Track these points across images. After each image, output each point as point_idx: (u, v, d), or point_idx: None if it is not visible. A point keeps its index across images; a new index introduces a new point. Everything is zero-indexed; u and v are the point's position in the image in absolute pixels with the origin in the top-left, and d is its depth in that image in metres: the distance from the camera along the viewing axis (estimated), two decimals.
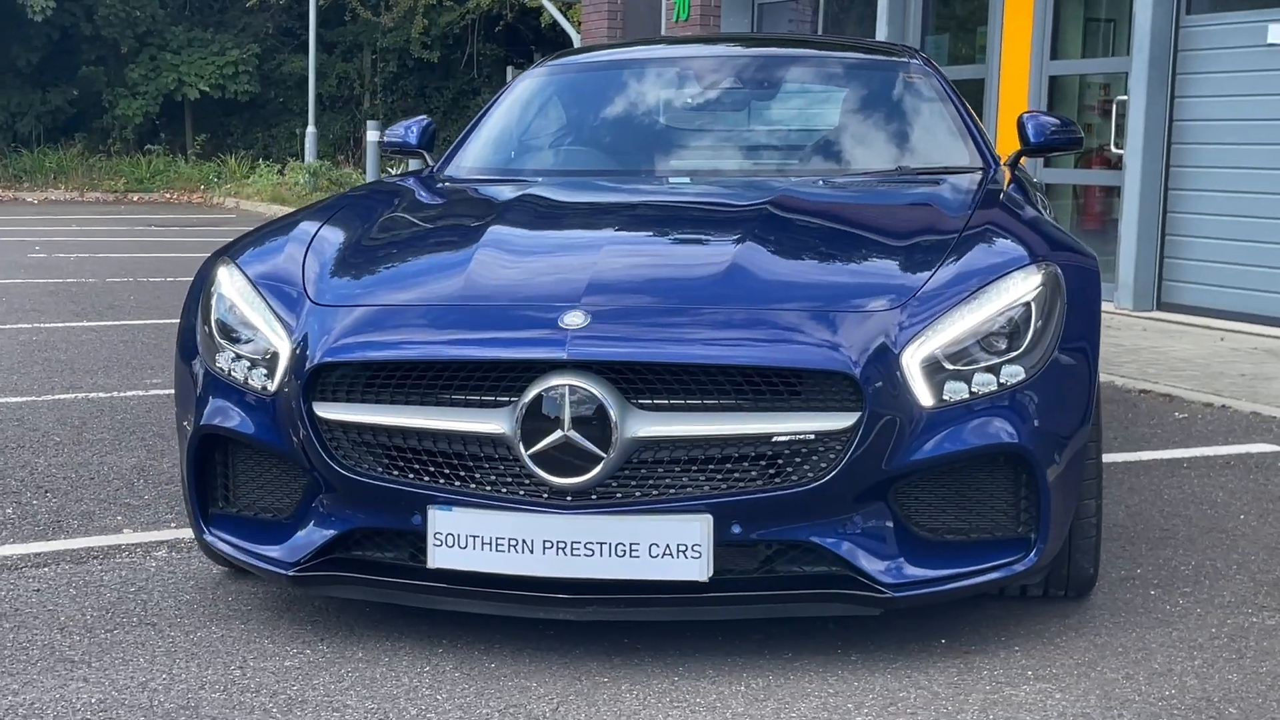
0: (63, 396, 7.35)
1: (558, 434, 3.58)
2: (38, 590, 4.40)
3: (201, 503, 4.10)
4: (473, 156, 5.62)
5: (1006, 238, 4.17)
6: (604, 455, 3.58)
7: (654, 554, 3.58)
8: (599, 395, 3.57)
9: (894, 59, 5.97)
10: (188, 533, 4.98)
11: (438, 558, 3.68)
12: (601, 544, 3.58)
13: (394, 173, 23.37)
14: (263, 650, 3.89)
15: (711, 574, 3.59)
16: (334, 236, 4.36)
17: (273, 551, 3.94)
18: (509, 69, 29.79)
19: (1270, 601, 4.30)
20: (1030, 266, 3.94)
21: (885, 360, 3.65)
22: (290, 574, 3.86)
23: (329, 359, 3.77)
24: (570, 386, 3.58)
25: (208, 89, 29.55)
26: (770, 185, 4.86)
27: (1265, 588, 4.42)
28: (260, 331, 3.99)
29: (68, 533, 5.01)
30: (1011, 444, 3.73)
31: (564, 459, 3.60)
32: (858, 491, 3.64)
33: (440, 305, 3.87)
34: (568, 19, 20.37)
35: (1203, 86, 11.06)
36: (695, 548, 3.57)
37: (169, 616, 4.16)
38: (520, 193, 4.73)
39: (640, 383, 3.62)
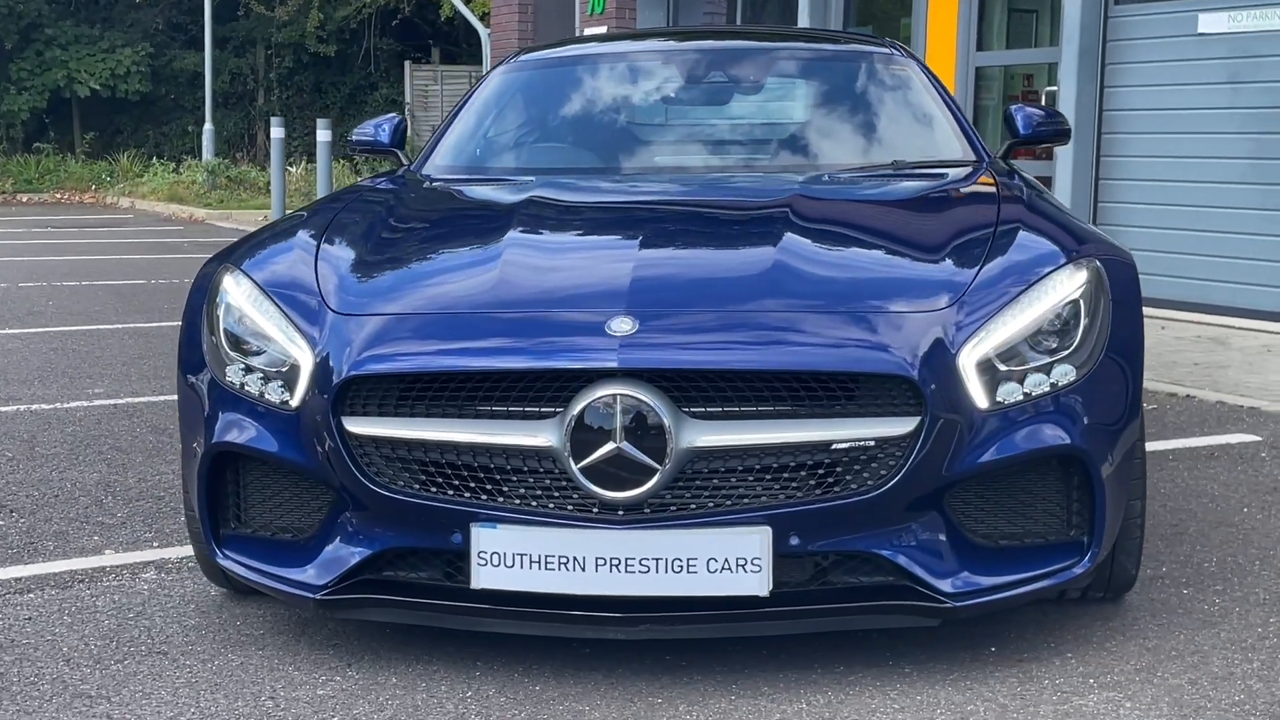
0: (4, 409, 7.05)
1: (609, 446, 3.42)
2: (29, 618, 4.17)
3: (212, 523, 3.89)
4: (454, 155, 5.43)
5: (1042, 234, 4.07)
6: (658, 467, 3.42)
7: (712, 569, 3.43)
8: (651, 404, 3.42)
9: (878, 50, 5.86)
10: (174, 552, 4.77)
11: (482, 577, 3.50)
12: (657, 559, 3.43)
13: (294, 171, 22.98)
14: (290, 679, 3.69)
15: (772, 588, 3.46)
16: (342, 242, 4.16)
17: (296, 574, 3.74)
18: (406, 64, 29.50)
19: None
20: (1075, 263, 3.85)
21: (943, 362, 3.54)
22: (318, 597, 3.67)
23: (359, 371, 3.57)
24: (621, 396, 3.42)
25: (98, 87, 28.88)
26: (783, 181, 4.73)
27: None
28: (275, 342, 3.79)
29: (45, 555, 4.76)
30: (1069, 446, 3.63)
31: (615, 472, 3.44)
32: (916, 499, 3.52)
33: (477, 313, 3.68)
34: (472, 12, 20.08)
35: (1133, 76, 11.11)
36: (755, 561, 3.43)
37: (178, 644, 3.94)
38: (525, 195, 4.53)
39: (693, 390, 3.47)
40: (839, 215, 4.39)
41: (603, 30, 16.12)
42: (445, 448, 3.54)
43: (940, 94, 5.65)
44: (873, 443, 3.48)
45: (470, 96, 5.77)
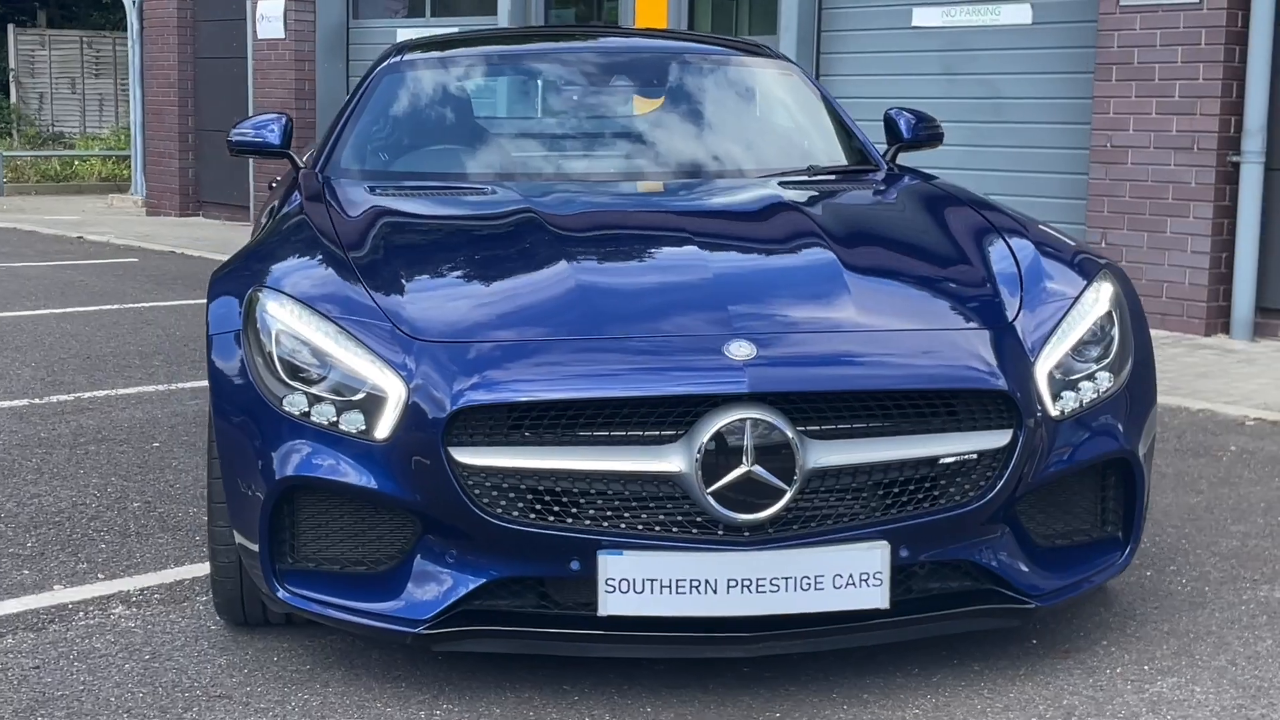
0: None
1: (741, 469, 3.46)
2: (35, 667, 3.90)
3: (272, 559, 3.72)
4: (363, 159, 5.27)
5: (1051, 246, 4.30)
6: (786, 488, 3.49)
7: (837, 584, 3.53)
8: (779, 426, 3.48)
9: (769, 57, 6.02)
10: (127, 584, 4.56)
11: (610, 604, 3.49)
12: (787, 578, 3.50)
13: None
14: (388, 716, 3.59)
15: (890, 600, 3.58)
16: (373, 261, 4.02)
17: (384, 608, 3.63)
18: (10, 28, 27.78)
19: (1250, 573, 4.64)
20: (1101, 276, 4.11)
21: (1026, 375, 3.73)
22: (419, 631, 3.57)
23: (473, 401, 3.49)
24: (752, 420, 3.47)
25: None
26: (754, 185, 4.96)
27: (1234, 560, 4.77)
28: (346, 368, 3.65)
29: None
30: (1121, 450, 3.89)
31: (742, 494, 3.48)
32: (1005, 507, 3.71)
33: (588, 339, 3.64)
34: None
35: (849, 66, 11.62)
36: (877, 575, 3.54)
37: (230, 686, 3.77)
38: (515, 206, 4.48)
39: (810, 410, 3.55)
40: (858, 223, 4.55)
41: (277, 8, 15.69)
42: (564, 476, 3.51)
43: (828, 100, 5.85)
44: (975, 455, 3.65)
45: (363, 94, 5.59)
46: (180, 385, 7.46)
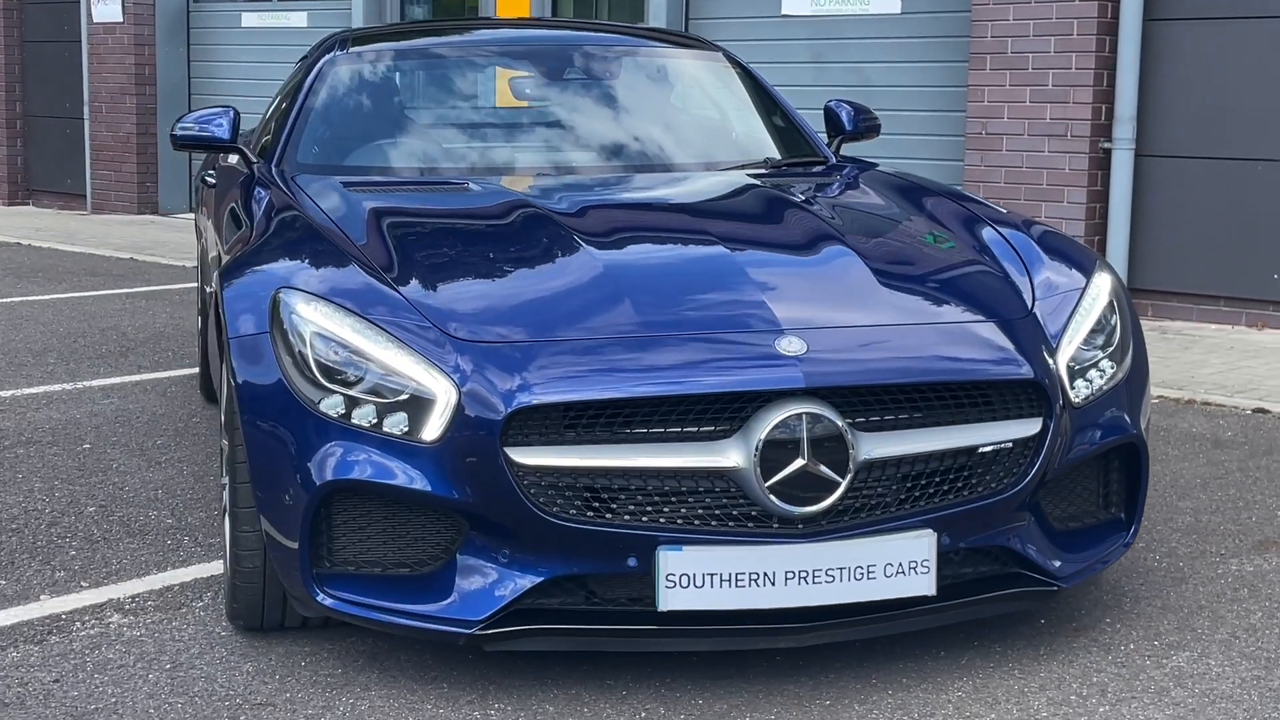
0: None
1: (798, 463, 3.52)
2: (55, 681, 3.79)
3: (311, 563, 3.67)
4: (326, 154, 5.21)
5: (1038, 235, 4.43)
6: (840, 480, 3.56)
7: (888, 574, 3.60)
8: (833, 420, 3.55)
9: (710, 50, 6.08)
10: (115, 591, 4.46)
11: (670, 599, 3.52)
12: (841, 569, 3.56)
13: None
14: (441, 717, 3.57)
15: (937, 587, 3.67)
16: (396, 260, 3.99)
17: (433, 609, 3.61)
18: None
19: (1214, 547, 4.84)
20: (1099, 265, 4.26)
21: (1050, 365, 3.85)
22: (473, 631, 3.56)
23: (530, 401, 3.49)
24: (808, 414, 3.52)
25: None
26: (728, 176, 5.05)
27: (1195, 535, 4.96)
28: (389, 371, 3.61)
29: None
30: (1129, 435, 4.04)
31: (797, 488, 3.54)
32: (1034, 493, 3.83)
33: (638, 338, 3.65)
34: None
35: None
36: (924, 563, 3.63)
37: (268, 693, 3.71)
38: (518, 200, 4.48)
39: (859, 403, 3.62)
40: (858, 218, 4.63)
41: None
42: (620, 473, 3.53)
43: (774, 94, 5.94)
44: (1010, 444, 3.75)
45: (312, 87, 5.48)
46: (87, 384, 7.25)
